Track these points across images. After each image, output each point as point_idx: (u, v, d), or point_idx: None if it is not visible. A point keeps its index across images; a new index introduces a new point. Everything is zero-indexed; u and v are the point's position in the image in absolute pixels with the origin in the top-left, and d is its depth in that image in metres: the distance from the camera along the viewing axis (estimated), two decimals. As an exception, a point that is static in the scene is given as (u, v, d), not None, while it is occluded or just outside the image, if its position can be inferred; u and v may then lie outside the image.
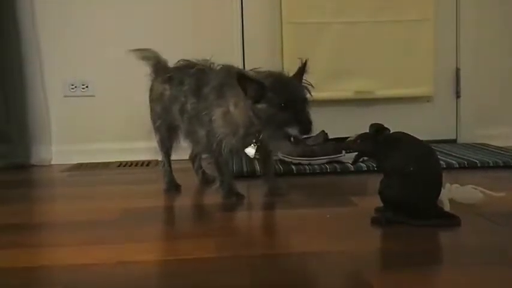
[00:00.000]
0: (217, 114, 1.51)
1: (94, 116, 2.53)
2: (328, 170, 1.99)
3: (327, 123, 2.29)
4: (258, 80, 1.42)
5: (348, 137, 2.05)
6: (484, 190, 1.42)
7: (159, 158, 1.84)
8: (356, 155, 1.38)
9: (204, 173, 1.86)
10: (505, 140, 2.56)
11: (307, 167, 2.01)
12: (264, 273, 1.00)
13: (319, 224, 1.33)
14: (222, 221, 1.43)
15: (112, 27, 2.50)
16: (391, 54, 2.53)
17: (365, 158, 2.01)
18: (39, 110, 2.48)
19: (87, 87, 2.52)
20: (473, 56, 2.62)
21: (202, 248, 1.14)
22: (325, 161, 2.07)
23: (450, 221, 1.26)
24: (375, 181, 1.33)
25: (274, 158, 2.15)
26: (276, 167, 2.02)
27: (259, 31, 2.53)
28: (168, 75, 1.71)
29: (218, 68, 1.63)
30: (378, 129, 1.29)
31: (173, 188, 1.77)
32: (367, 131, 1.32)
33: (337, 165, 2.01)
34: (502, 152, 2.23)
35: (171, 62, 1.76)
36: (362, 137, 1.33)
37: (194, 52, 2.31)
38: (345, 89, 2.52)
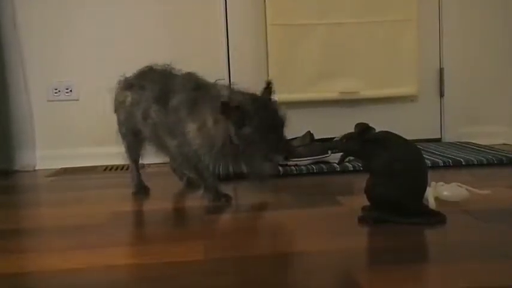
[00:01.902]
0: (191, 128, 1.51)
1: (78, 120, 2.51)
2: (315, 171, 2.00)
3: (313, 124, 2.31)
4: (242, 107, 1.42)
5: (334, 138, 2.06)
6: (469, 188, 1.44)
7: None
8: (342, 154, 1.39)
9: (188, 178, 1.84)
10: (489, 138, 2.59)
11: (293, 167, 2.01)
12: (252, 274, 1.00)
13: (306, 224, 1.33)
14: (210, 223, 1.42)
15: (95, 30, 2.48)
16: (376, 54, 2.55)
17: (351, 158, 2.03)
18: (23, 115, 2.46)
19: (71, 91, 2.50)
20: (456, 56, 2.65)
21: (191, 250, 1.13)
22: (311, 161, 2.07)
23: (435, 218, 1.27)
24: (361, 181, 1.33)
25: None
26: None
27: (243, 33, 2.53)
28: (128, 82, 1.72)
29: (180, 74, 1.64)
30: (363, 129, 1.30)
31: (142, 190, 1.77)
32: (353, 131, 1.33)
33: (323, 166, 2.02)
34: (486, 150, 2.26)
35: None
36: (348, 136, 1.33)
37: (178, 55, 2.30)
38: (329, 90, 2.53)
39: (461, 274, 0.94)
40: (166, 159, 1.83)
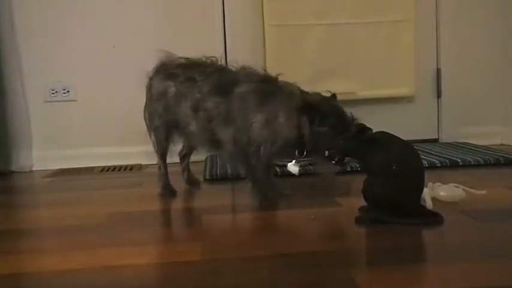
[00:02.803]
0: (258, 118, 1.49)
1: (75, 121, 2.51)
2: (313, 171, 1.99)
3: (310, 124, 2.31)
4: (319, 107, 1.47)
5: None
6: (466, 188, 1.44)
7: (154, 161, 1.78)
8: (339, 156, 1.39)
9: (189, 173, 1.84)
10: (486, 138, 2.59)
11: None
12: (250, 274, 1.00)
13: (305, 225, 1.33)
14: (208, 224, 1.42)
15: (93, 30, 2.48)
16: (373, 55, 2.55)
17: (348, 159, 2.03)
18: (20, 116, 2.45)
19: (68, 92, 2.50)
20: (453, 56, 2.65)
21: (188, 251, 1.13)
22: (309, 162, 2.07)
23: (433, 218, 1.27)
24: (359, 181, 1.33)
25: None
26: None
27: (241, 34, 2.53)
28: (170, 72, 1.65)
29: (237, 68, 1.61)
30: (360, 129, 1.30)
31: (169, 192, 1.72)
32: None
33: (322, 167, 2.01)
34: (483, 151, 2.26)
35: (154, 64, 1.74)
36: (345, 137, 1.34)
37: (176, 54, 2.30)
38: (327, 91, 2.52)
39: (459, 274, 0.94)
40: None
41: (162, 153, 1.72)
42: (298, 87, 1.57)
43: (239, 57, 2.52)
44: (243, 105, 1.51)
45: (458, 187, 1.45)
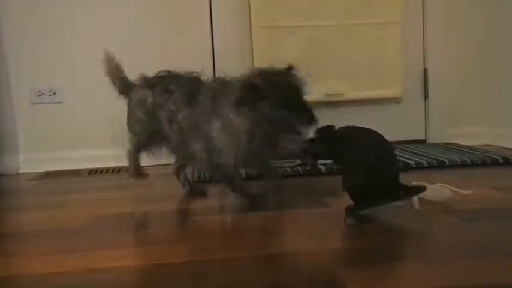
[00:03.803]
0: (215, 126, 1.46)
1: (62, 123, 2.49)
2: (300, 172, 2.00)
3: (298, 125, 2.31)
4: (255, 85, 1.39)
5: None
6: (453, 188, 1.45)
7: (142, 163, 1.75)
8: (310, 159, 1.40)
9: (190, 184, 1.79)
10: (473, 139, 2.61)
11: (279, 169, 2.01)
12: (235, 275, 0.99)
13: (293, 225, 1.33)
14: (194, 225, 1.41)
15: (79, 32, 2.47)
16: (360, 56, 2.56)
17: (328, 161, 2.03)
18: (5, 118, 2.43)
19: (54, 93, 2.48)
20: (440, 58, 2.67)
21: (173, 253, 1.13)
22: (297, 163, 2.07)
23: (416, 190, 1.30)
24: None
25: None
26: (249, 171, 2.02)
27: (228, 35, 2.53)
28: (150, 82, 1.67)
29: (210, 80, 1.59)
30: (324, 129, 1.30)
31: (140, 173, 1.74)
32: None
33: (308, 168, 2.02)
34: (470, 151, 2.28)
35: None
36: (312, 140, 1.33)
37: (163, 56, 2.30)
38: (315, 92, 2.53)
39: (446, 273, 0.95)
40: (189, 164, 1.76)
41: (139, 148, 1.71)
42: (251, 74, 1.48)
43: (227, 59, 2.54)
44: (201, 116, 1.50)
45: (445, 187, 1.45)
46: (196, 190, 1.76)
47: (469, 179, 1.80)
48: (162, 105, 1.59)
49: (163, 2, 2.50)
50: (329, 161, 1.97)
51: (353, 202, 1.31)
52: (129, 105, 1.72)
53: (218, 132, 1.46)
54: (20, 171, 2.45)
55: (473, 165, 2.04)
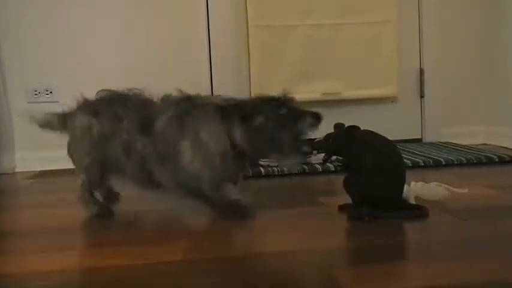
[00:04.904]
0: (183, 147, 1.32)
1: (59, 122, 2.48)
2: (297, 171, 2.00)
3: (295, 124, 2.31)
4: (242, 105, 1.31)
5: (315, 139, 2.07)
6: (449, 187, 1.45)
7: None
8: (325, 154, 1.40)
9: (100, 204, 1.54)
10: (469, 138, 2.62)
11: (275, 168, 2.02)
12: (232, 274, 1.00)
13: (288, 224, 1.33)
14: (189, 224, 1.42)
15: (75, 31, 2.46)
16: (356, 55, 2.56)
17: (332, 158, 2.04)
18: (2, 117, 2.43)
19: (51, 93, 2.48)
20: (436, 57, 2.68)
21: (169, 251, 1.13)
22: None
23: (419, 211, 1.31)
24: (342, 181, 1.34)
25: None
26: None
27: (225, 34, 2.53)
28: (93, 108, 1.46)
29: (159, 99, 1.42)
30: (349, 128, 1.31)
31: (106, 211, 1.50)
32: (332, 131, 1.35)
33: (305, 167, 2.02)
34: (466, 150, 2.29)
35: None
36: (333, 136, 1.34)
37: (159, 57, 2.30)
38: (311, 91, 2.54)
39: (442, 271, 0.95)
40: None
41: (90, 186, 1.50)
42: (222, 96, 1.38)
43: (223, 58, 2.54)
44: (165, 140, 1.34)
45: (440, 186, 1.46)
46: (105, 210, 1.52)
47: (464, 178, 1.81)
48: (113, 134, 1.40)
49: (158, 1, 2.50)
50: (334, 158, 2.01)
51: (352, 203, 1.33)
52: (71, 135, 1.51)
53: (187, 154, 1.32)
54: (17, 170, 2.45)
55: (469, 164, 2.05)
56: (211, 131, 1.32)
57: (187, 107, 1.36)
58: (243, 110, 1.30)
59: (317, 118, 1.32)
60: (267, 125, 1.29)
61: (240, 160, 1.35)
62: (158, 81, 2.36)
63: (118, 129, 1.40)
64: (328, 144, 1.36)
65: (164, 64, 2.47)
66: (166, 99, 1.41)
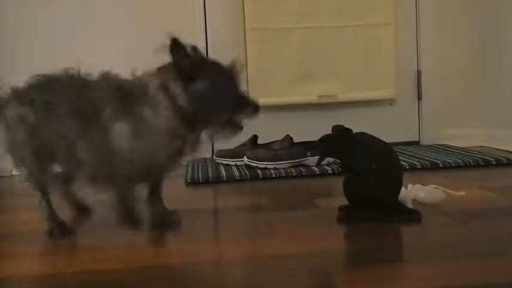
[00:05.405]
0: (121, 130, 1.19)
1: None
2: (294, 174, 2.00)
3: (292, 127, 2.32)
4: (188, 55, 1.21)
5: (313, 141, 2.08)
6: (446, 189, 1.45)
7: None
8: (319, 156, 1.41)
9: (76, 199, 1.52)
10: (466, 140, 2.62)
11: (272, 171, 2.02)
12: (229, 277, 0.99)
13: (285, 227, 1.33)
14: (185, 226, 1.41)
15: (71, 32, 2.46)
16: (354, 58, 2.56)
17: (330, 161, 2.04)
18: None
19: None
20: (433, 59, 2.68)
21: (167, 254, 1.12)
22: (290, 164, 2.08)
23: (412, 215, 1.30)
24: (339, 183, 1.35)
25: (239, 163, 2.17)
26: (242, 172, 2.03)
27: (222, 37, 2.53)
28: (26, 96, 1.33)
29: (97, 79, 1.31)
30: (341, 130, 1.31)
31: (61, 229, 1.36)
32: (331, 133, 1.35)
33: (302, 169, 2.02)
34: (463, 153, 2.29)
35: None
36: (326, 138, 1.35)
37: (156, 59, 2.27)
38: (308, 93, 2.54)
39: (439, 273, 0.95)
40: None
41: (42, 186, 1.38)
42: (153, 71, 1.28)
43: (220, 60, 2.53)
44: (102, 125, 1.21)
45: (438, 188, 1.46)
46: (82, 206, 1.48)
47: (462, 181, 1.81)
48: (47, 121, 1.28)
49: (156, 4, 2.50)
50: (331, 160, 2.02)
51: (349, 204, 1.33)
52: (5, 126, 1.35)
53: (125, 138, 1.20)
54: (14, 172, 2.44)
55: (466, 166, 2.05)
56: (153, 110, 1.20)
57: (128, 89, 1.24)
58: (184, 74, 1.20)
59: (257, 108, 1.23)
60: (210, 89, 1.20)
61: (188, 125, 1.22)
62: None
63: (51, 116, 1.27)
64: (321, 146, 1.36)
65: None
66: (103, 80, 1.29)
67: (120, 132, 1.19)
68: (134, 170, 1.21)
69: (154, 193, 1.35)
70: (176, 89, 1.20)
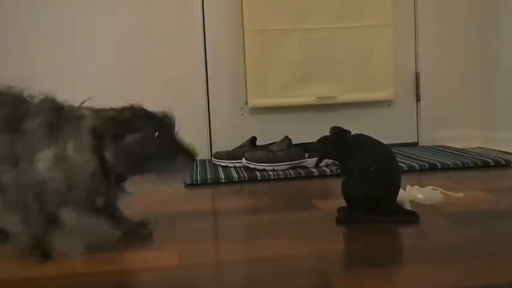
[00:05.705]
0: (44, 155, 1.14)
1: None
2: (292, 175, 2.00)
3: (290, 129, 2.33)
4: (117, 117, 1.18)
5: (311, 143, 2.08)
6: (444, 191, 1.45)
7: None
8: (317, 158, 1.41)
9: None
10: (465, 142, 2.62)
11: (271, 172, 2.02)
12: (227, 279, 0.99)
13: (283, 229, 1.33)
14: (184, 228, 1.41)
15: (68, 35, 2.46)
16: (352, 59, 2.57)
17: (328, 162, 2.05)
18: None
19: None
20: (432, 60, 2.69)
21: (165, 256, 1.12)
22: (289, 166, 2.08)
23: (410, 217, 1.30)
24: (338, 185, 1.34)
25: (238, 165, 2.17)
26: (241, 174, 2.03)
27: (221, 39, 2.53)
28: None
29: (38, 99, 1.22)
30: (339, 132, 1.32)
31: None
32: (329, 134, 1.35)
33: (301, 171, 2.02)
34: (461, 154, 2.29)
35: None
36: (324, 139, 1.35)
37: (155, 61, 2.29)
38: (307, 95, 2.54)
39: (437, 275, 0.95)
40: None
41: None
42: (93, 108, 1.23)
43: (219, 63, 2.54)
44: (28, 142, 1.16)
45: (436, 190, 1.46)
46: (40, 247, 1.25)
47: (460, 182, 1.81)
48: None
49: (154, 5, 2.50)
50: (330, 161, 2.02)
51: (347, 206, 1.33)
52: None
53: (47, 164, 1.14)
54: None
55: (465, 168, 2.05)
56: (79, 149, 1.16)
57: (62, 116, 1.20)
58: (116, 128, 1.17)
59: (190, 157, 1.21)
60: (139, 144, 1.17)
61: (109, 179, 1.19)
62: (154, 86, 2.37)
63: None
64: (319, 148, 1.36)
65: (160, 68, 2.46)
66: (45, 99, 1.23)
67: (45, 155, 1.14)
68: (49, 197, 1.15)
69: (108, 208, 1.26)
70: (105, 144, 1.16)
